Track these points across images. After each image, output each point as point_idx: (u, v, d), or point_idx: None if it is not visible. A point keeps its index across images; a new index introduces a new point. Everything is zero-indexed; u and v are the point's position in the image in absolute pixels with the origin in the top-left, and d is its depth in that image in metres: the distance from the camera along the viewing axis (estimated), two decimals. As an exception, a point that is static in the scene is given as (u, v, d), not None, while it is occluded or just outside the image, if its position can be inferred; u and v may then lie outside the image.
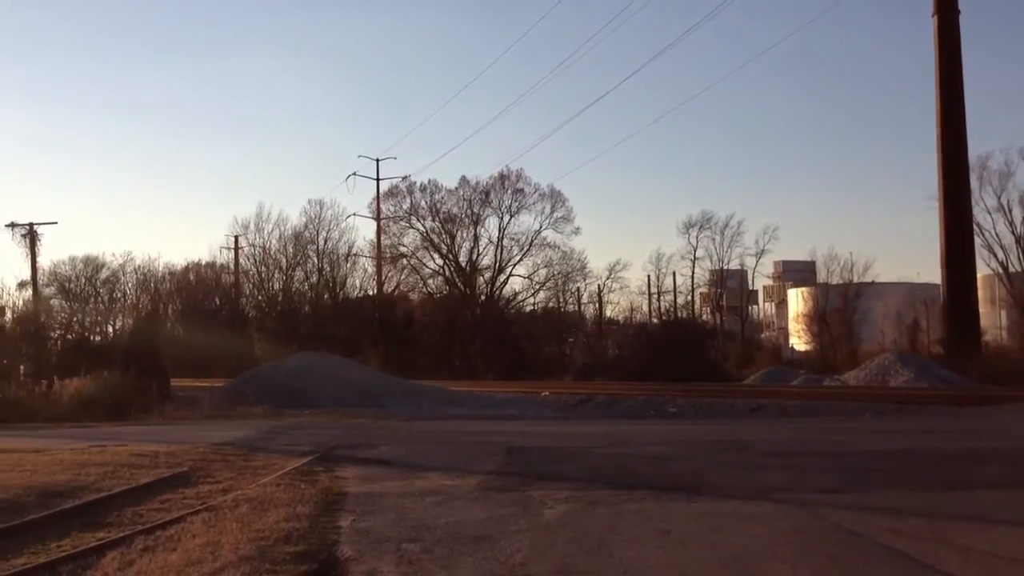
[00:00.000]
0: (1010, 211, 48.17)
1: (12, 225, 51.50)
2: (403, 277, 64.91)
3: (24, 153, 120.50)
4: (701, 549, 7.01)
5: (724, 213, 69.43)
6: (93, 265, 78.81)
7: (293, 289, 66.90)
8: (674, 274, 64.52)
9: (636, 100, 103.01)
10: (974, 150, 42.39)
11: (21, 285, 51.43)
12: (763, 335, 68.13)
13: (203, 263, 78.93)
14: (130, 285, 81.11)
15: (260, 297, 69.04)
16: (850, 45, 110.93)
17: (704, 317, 64.33)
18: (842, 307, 49.89)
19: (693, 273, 63.77)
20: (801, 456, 12.34)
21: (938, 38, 36.74)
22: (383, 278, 63.72)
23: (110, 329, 70.61)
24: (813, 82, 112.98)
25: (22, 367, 37.01)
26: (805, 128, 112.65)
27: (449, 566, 6.61)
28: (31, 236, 51.14)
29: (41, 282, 56.44)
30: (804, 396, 26.24)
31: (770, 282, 74.42)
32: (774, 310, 76.07)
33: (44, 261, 58.96)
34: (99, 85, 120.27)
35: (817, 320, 51.89)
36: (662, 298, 65.73)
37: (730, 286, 64.13)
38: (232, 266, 72.93)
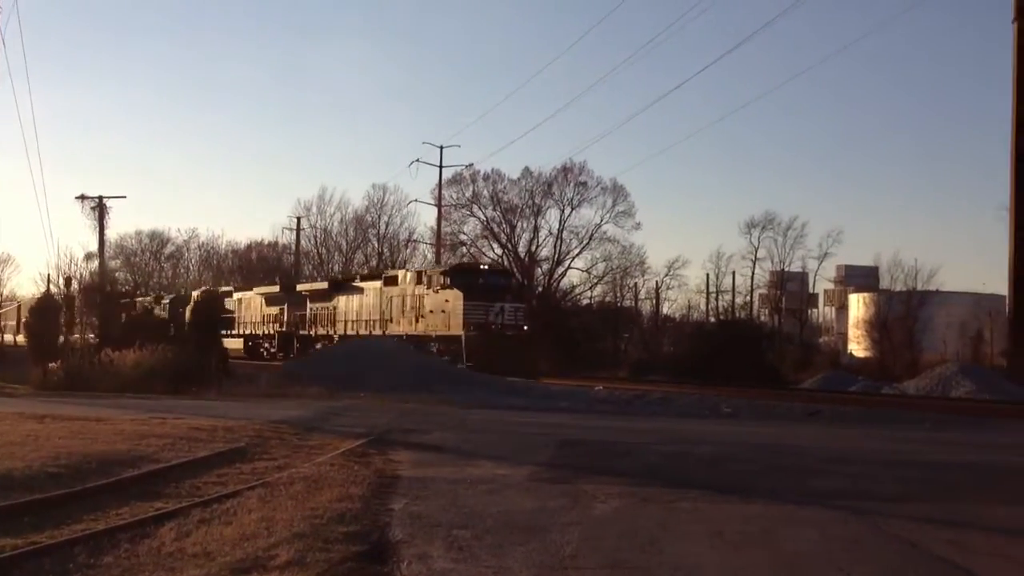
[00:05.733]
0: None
1: (82, 197, 52.45)
2: (462, 265, 65.28)
3: (95, 129, 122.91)
4: (754, 552, 6.94)
5: (787, 214, 68.40)
6: (158, 240, 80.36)
7: (353, 272, 67.42)
8: (733, 274, 63.71)
9: (702, 97, 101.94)
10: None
11: (88, 256, 52.35)
12: (822, 340, 67.04)
13: (265, 243, 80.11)
14: (193, 261, 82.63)
15: (320, 279, 69.76)
16: (925, 49, 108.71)
17: (762, 319, 63.58)
18: (904, 315, 48.95)
19: (753, 274, 63.02)
20: (859, 463, 12.14)
21: (1017, 45, 35.86)
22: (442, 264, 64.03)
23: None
24: (884, 85, 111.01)
25: (88, 337, 37.76)
26: (875, 131, 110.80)
27: (500, 554, 6.62)
28: (100, 209, 52.08)
29: (107, 255, 57.49)
30: (862, 403, 25.78)
31: (832, 286, 73.26)
32: (834, 315, 74.93)
33: (111, 234, 59.95)
34: (171, 65, 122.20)
35: (878, 327, 50.98)
36: (721, 297, 65.06)
37: (790, 289, 63.29)
38: (293, 247, 73.83)
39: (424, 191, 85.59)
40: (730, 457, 12.65)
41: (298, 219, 71.93)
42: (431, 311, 35.26)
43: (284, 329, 47.57)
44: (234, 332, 51.76)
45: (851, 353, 58.72)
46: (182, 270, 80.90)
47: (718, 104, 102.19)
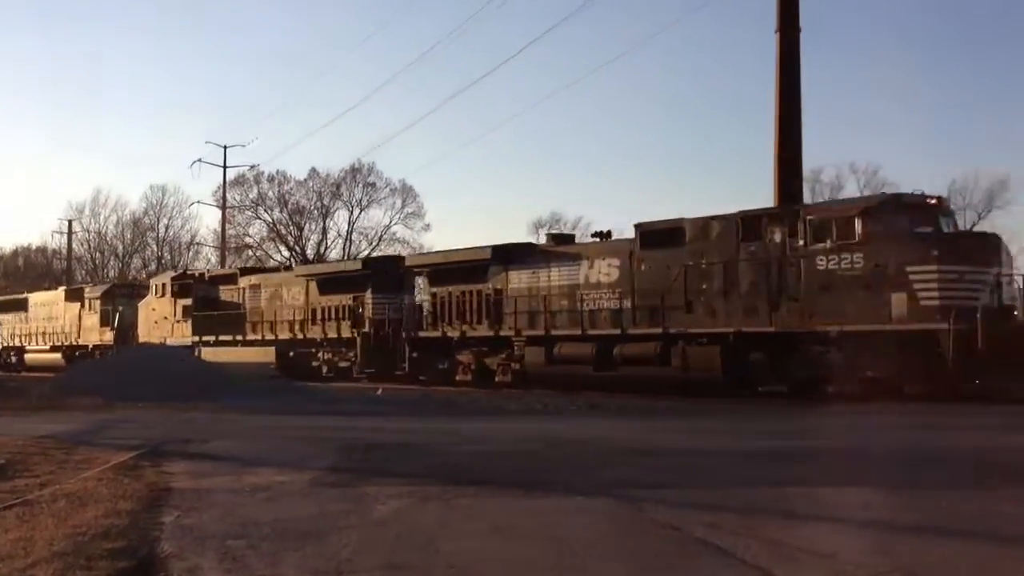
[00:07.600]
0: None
1: None
2: (248, 268, 63.63)
3: None
4: (529, 543, 7.12)
5: (573, 214, 70.76)
6: (-86, 247, 74.37)
7: (130, 277, 64.61)
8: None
9: (491, 98, 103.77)
10: (808, 163, 44.36)
11: None
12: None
13: (33, 248, 75.73)
14: (-46, 268, 76.96)
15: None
16: (700, 55, 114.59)
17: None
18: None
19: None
20: (657, 455, 12.44)
21: (779, 54, 38.22)
22: (227, 268, 62.18)
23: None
24: (665, 89, 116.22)
25: None
26: (656, 134, 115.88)
27: (275, 563, 6.52)
28: None
29: None
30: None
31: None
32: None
33: None
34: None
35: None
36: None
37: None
38: (65, 251, 70.00)
39: (207, 193, 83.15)
40: (524, 453, 12.83)
41: (70, 222, 68.38)
42: (824, 286, 20.73)
43: (372, 330, 33.63)
44: (250, 336, 38.24)
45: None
46: (-59, 278, 75.20)
47: (503, 108, 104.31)
